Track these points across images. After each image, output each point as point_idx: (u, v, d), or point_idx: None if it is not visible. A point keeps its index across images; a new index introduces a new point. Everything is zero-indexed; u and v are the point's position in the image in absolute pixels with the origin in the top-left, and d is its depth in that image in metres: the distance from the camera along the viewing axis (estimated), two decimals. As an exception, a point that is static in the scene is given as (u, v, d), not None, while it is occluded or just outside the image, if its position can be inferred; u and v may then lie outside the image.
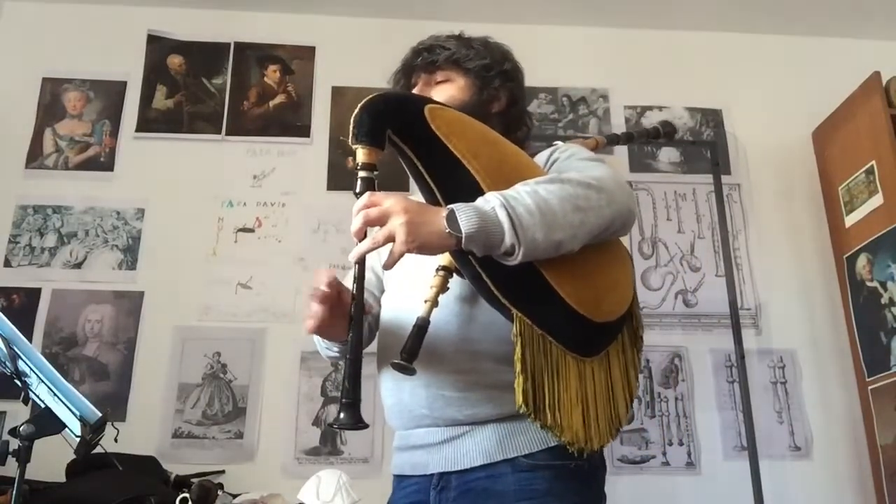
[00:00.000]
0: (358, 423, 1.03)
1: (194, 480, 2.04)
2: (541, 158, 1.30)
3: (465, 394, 1.18)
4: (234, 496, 2.10)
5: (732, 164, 2.90)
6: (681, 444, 2.55)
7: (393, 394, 1.27)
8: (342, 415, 1.03)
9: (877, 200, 2.55)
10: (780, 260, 2.79)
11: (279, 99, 2.87)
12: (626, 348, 1.22)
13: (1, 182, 2.67)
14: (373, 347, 1.37)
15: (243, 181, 2.74)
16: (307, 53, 2.93)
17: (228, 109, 2.83)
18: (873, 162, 2.58)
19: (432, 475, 1.21)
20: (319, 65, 2.92)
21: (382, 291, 1.42)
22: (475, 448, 1.17)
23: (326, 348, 1.35)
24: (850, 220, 2.69)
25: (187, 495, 1.91)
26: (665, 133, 1.98)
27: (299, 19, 2.96)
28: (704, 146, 2.86)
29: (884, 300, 2.49)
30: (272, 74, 2.90)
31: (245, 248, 2.66)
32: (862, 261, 2.61)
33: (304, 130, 2.82)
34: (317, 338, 1.33)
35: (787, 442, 2.58)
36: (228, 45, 2.92)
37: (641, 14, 3.00)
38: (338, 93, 2.87)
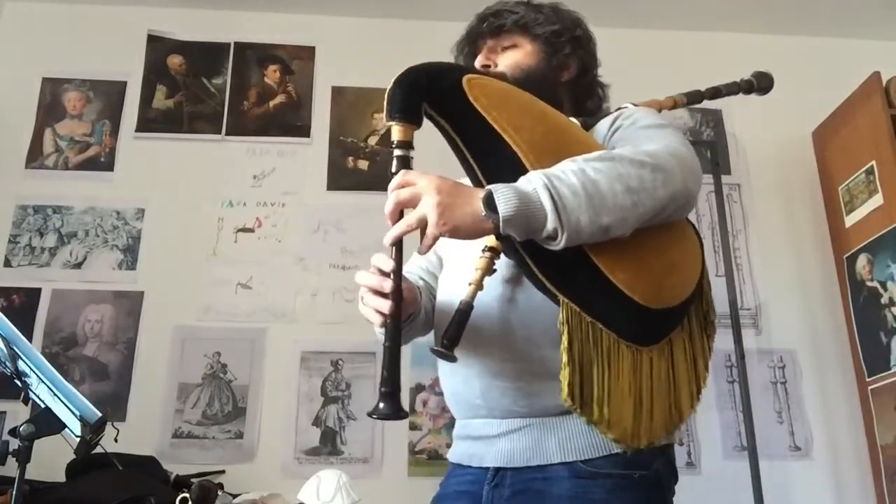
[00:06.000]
0: (398, 412, 0.99)
1: (194, 480, 2.04)
2: (604, 125, 1.21)
3: (518, 384, 1.11)
4: (234, 496, 2.10)
5: (732, 164, 2.90)
6: (681, 444, 2.55)
7: (449, 382, 1.22)
8: (381, 405, 0.99)
9: (877, 200, 2.55)
10: (780, 260, 2.79)
11: (279, 99, 2.86)
12: (695, 336, 1.14)
13: (1, 182, 2.67)
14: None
15: (243, 181, 2.74)
16: (307, 53, 2.93)
17: (228, 109, 2.83)
18: (873, 162, 2.58)
19: (488, 469, 1.15)
20: (319, 65, 2.92)
21: None
22: (533, 446, 1.11)
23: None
24: (850, 220, 2.69)
25: (187, 495, 1.90)
26: (759, 87, 1.73)
27: (299, 19, 2.96)
28: (704, 146, 2.86)
29: (884, 300, 2.49)
30: (272, 74, 2.90)
31: (245, 248, 2.65)
32: (862, 261, 2.61)
33: (304, 130, 2.82)
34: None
35: (787, 442, 2.58)
36: (228, 45, 2.92)
37: (641, 14, 2.99)
38: (338, 93, 2.87)
